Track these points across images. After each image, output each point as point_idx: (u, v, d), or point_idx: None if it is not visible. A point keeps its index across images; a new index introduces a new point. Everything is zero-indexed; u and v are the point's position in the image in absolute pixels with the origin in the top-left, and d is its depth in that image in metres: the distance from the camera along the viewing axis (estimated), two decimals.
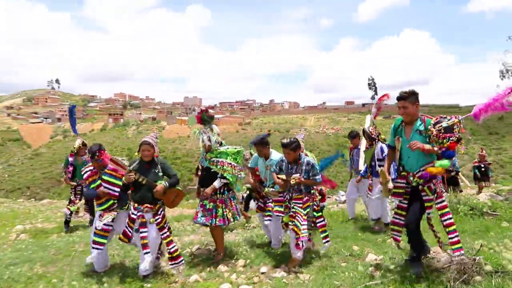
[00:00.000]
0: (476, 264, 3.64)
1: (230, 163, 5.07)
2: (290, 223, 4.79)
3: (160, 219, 4.72)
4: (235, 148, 5.26)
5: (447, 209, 3.96)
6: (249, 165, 6.09)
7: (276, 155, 5.51)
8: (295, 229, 4.69)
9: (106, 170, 4.84)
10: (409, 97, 3.93)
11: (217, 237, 5.33)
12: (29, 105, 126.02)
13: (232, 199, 5.23)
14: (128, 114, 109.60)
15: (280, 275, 4.53)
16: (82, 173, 5.03)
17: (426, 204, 3.96)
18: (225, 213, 5.06)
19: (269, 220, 5.35)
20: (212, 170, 5.07)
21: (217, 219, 5.01)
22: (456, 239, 3.86)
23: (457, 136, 3.62)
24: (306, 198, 4.90)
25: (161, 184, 4.67)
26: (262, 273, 4.68)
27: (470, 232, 5.87)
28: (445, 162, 3.64)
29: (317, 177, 4.87)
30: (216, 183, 5.02)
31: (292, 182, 4.74)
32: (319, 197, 5.19)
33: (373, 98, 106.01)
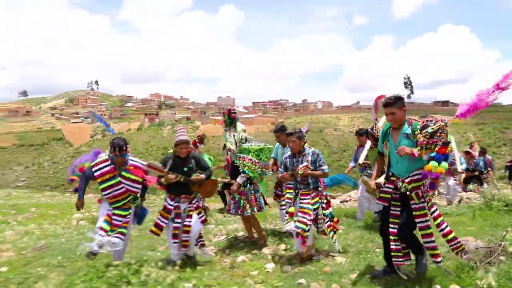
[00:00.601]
0: (502, 249, 3.95)
1: (251, 159, 5.41)
2: (296, 224, 4.70)
3: (193, 208, 4.93)
4: (259, 145, 5.52)
5: (441, 218, 3.89)
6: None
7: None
8: (301, 232, 4.62)
9: (126, 167, 4.77)
10: (395, 103, 3.87)
11: (254, 226, 5.79)
12: (71, 106, 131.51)
13: (254, 192, 5.56)
14: (163, 114, 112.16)
15: (318, 257, 4.97)
16: (96, 168, 4.74)
17: (414, 213, 3.81)
18: (244, 204, 5.47)
19: (284, 208, 5.30)
20: (236, 165, 5.48)
21: (240, 210, 5.51)
22: (458, 245, 3.82)
23: (443, 140, 3.57)
24: (314, 193, 4.90)
25: (198, 176, 4.83)
26: None
27: (502, 227, 6.07)
28: (444, 164, 3.57)
29: (324, 167, 4.90)
30: (239, 179, 5.44)
31: (300, 172, 4.80)
32: (326, 199, 5.10)
33: (409, 97, 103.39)
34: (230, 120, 5.69)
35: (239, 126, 5.68)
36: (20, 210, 10.27)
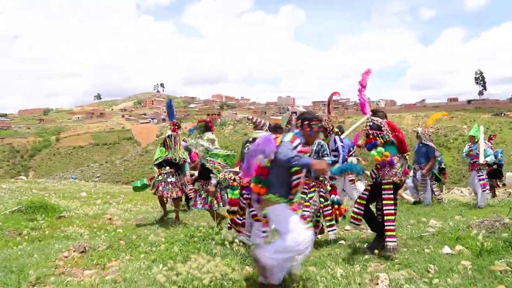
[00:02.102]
0: (504, 223, 4.87)
1: (220, 163, 6.16)
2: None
3: None
4: (226, 152, 6.39)
5: (391, 201, 4.56)
6: None
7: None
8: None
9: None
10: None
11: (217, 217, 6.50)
12: (139, 107, 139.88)
13: (220, 190, 6.35)
14: (224, 114, 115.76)
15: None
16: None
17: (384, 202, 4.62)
18: (212, 200, 6.34)
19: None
20: (206, 167, 6.22)
21: (207, 205, 6.37)
22: (391, 227, 4.53)
23: (367, 132, 4.66)
24: (313, 183, 5.32)
25: None
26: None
27: None
28: (373, 152, 4.54)
29: (326, 158, 5.13)
30: (213, 180, 6.20)
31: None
32: (329, 188, 5.44)
33: (481, 93, 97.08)
34: (202, 128, 6.62)
35: (208, 135, 6.54)
36: (113, 196, 12.39)
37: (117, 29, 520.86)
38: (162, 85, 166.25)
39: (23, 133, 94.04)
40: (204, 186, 6.41)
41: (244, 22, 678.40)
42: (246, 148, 5.16)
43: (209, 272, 3.51)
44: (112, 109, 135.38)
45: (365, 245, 5.00)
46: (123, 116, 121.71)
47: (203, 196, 6.40)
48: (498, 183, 9.45)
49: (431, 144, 8.62)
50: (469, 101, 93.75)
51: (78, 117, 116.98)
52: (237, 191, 5.55)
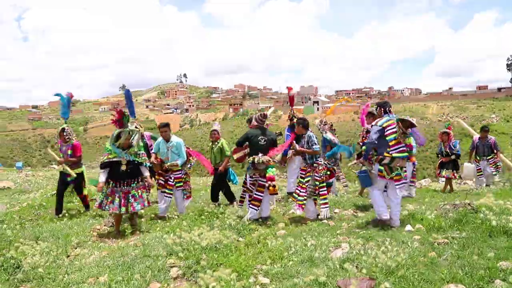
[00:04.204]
0: (455, 206, 5.78)
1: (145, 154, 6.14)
2: (294, 195, 6.50)
3: None
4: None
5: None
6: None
7: (175, 138, 7.07)
8: (293, 199, 6.51)
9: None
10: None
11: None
12: (162, 98, 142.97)
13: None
14: (247, 104, 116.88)
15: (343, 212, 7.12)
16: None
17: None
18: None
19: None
20: (136, 162, 5.92)
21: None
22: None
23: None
24: (309, 169, 6.34)
25: None
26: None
27: None
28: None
29: (314, 146, 6.21)
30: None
31: (296, 148, 6.41)
32: (324, 171, 6.42)
33: None
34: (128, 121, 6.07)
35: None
36: None
37: (141, 20, 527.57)
38: (185, 75, 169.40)
39: (53, 124, 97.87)
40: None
41: (267, 11, 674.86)
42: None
43: (207, 239, 4.61)
44: (136, 100, 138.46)
45: (342, 224, 6.03)
46: (147, 106, 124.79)
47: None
48: (455, 174, 9.50)
49: (329, 136, 8.23)
50: (499, 89, 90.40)
51: (104, 108, 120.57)
52: (274, 169, 6.51)
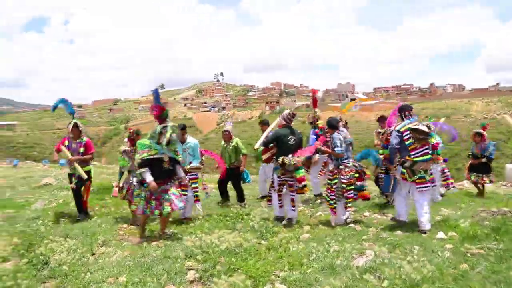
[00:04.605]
0: (510, 213, 5.42)
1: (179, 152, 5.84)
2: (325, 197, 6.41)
3: None
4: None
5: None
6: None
7: (191, 139, 7.06)
8: (326, 203, 6.44)
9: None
10: None
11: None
12: (200, 96, 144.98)
13: None
14: (283, 102, 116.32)
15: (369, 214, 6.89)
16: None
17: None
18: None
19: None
20: (175, 159, 5.69)
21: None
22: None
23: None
24: (335, 171, 6.23)
25: None
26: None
27: None
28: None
29: (336, 149, 6.12)
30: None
31: (321, 148, 6.38)
32: (352, 174, 6.12)
33: None
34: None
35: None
36: None
37: (182, 20, 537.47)
38: (221, 74, 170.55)
39: (96, 122, 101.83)
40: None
41: (303, 8, 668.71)
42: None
43: (227, 242, 4.57)
44: (174, 98, 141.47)
45: (370, 229, 5.81)
46: (185, 105, 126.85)
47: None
48: (485, 178, 8.71)
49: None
50: None
51: (143, 107, 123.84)
52: (302, 170, 6.39)
